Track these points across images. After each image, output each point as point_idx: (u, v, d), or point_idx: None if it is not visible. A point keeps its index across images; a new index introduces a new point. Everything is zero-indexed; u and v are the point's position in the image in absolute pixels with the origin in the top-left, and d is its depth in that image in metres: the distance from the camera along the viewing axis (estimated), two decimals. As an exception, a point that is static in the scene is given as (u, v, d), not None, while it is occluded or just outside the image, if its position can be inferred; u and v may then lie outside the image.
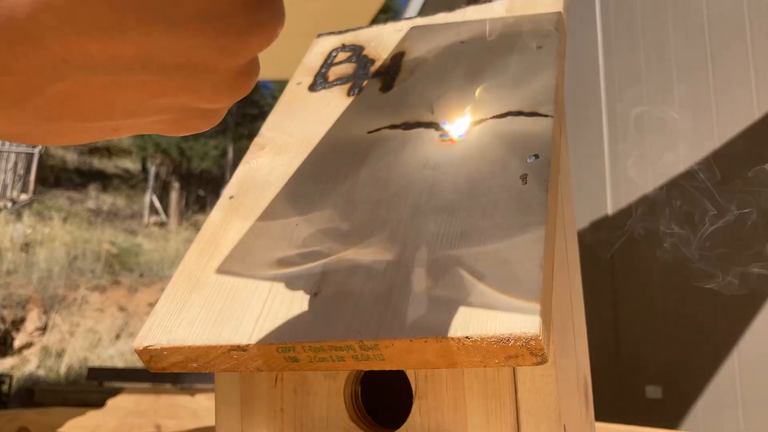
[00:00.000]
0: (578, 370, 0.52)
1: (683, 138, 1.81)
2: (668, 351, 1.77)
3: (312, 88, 0.62)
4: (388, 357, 0.35)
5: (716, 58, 1.72)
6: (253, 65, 0.25)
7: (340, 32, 0.69)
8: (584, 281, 0.64)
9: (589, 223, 2.16)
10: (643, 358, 1.87)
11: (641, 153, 1.97)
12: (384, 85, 0.57)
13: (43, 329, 8.61)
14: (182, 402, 1.66)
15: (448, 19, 0.64)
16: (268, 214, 0.48)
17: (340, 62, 0.64)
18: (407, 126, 0.51)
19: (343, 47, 0.66)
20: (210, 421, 1.26)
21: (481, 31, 0.60)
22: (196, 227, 12.52)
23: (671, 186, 1.83)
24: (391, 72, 0.59)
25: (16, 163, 12.05)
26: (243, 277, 0.43)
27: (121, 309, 9.47)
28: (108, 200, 12.91)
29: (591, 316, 0.68)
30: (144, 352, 0.40)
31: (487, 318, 0.33)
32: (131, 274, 10.49)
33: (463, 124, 0.49)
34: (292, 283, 0.41)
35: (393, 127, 0.52)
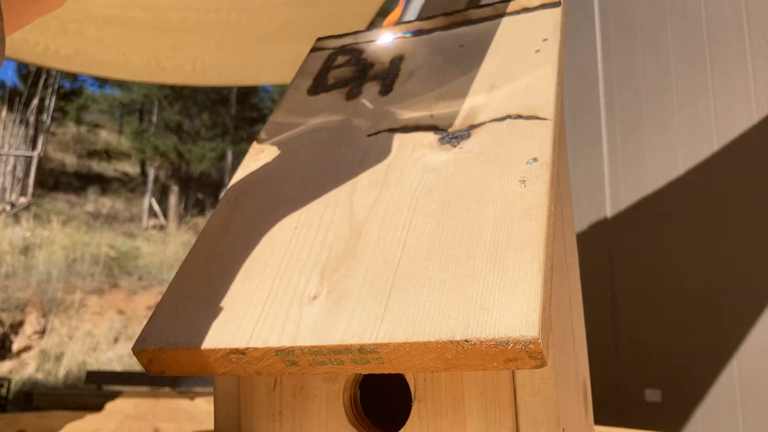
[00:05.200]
0: (577, 373, 0.52)
1: (681, 141, 1.81)
2: (668, 354, 1.77)
3: (311, 91, 0.62)
4: (387, 361, 0.35)
5: (715, 61, 1.72)
6: None
7: (339, 36, 0.69)
8: (583, 284, 0.64)
9: (588, 225, 2.16)
10: (642, 361, 1.87)
11: (640, 156, 1.98)
12: (383, 89, 0.57)
13: (42, 333, 8.60)
14: (181, 405, 1.66)
15: (447, 23, 0.64)
16: (267, 218, 0.48)
17: (340, 66, 0.64)
18: (406, 129, 0.51)
19: (343, 51, 0.66)
20: (209, 425, 1.26)
21: (479, 35, 0.60)
22: (195, 230, 12.51)
23: (670, 189, 1.83)
24: (390, 75, 0.59)
25: (15, 167, 12.04)
26: (242, 280, 0.43)
27: (120, 312, 9.45)
28: (107, 203, 12.90)
29: (590, 318, 0.68)
30: (143, 356, 0.40)
31: (486, 321, 0.33)
32: (130, 277, 10.47)
33: (462, 128, 0.49)
34: (291, 286, 0.41)
35: (392, 130, 0.52)
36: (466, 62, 0.57)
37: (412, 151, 0.48)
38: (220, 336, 0.39)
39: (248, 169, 0.54)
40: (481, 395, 0.39)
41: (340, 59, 0.65)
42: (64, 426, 1.10)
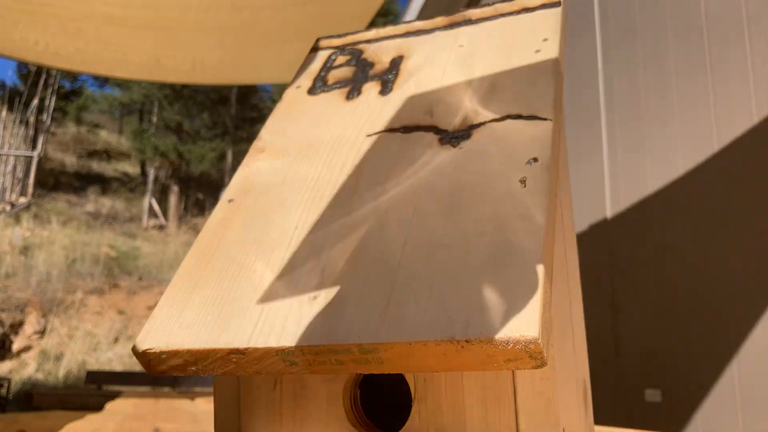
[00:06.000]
0: (577, 373, 0.52)
1: (682, 142, 1.81)
2: (668, 354, 1.77)
3: (311, 91, 0.62)
4: (387, 361, 0.35)
5: (715, 62, 1.72)
6: None
7: (339, 36, 0.69)
8: (583, 285, 0.64)
9: (588, 226, 2.16)
10: (642, 361, 1.87)
11: (640, 156, 1.98)
12: (383, 89, 0.57)
13: (42, 333, 8.60)
14: (181, 405, 1.66)
15: (447, 23, 0.64)
16: (267, 218, 0.48)
17: (340, 65, 0.64)
18: (406, 129, 0.51)
19: (343, 51, 0.66)
20: (209, 425, 1.26)
21: (479, 35, 0.60)
22: (195, 230, 12.52)
23: (669, 189, 1.83)
24: (390, 75, 0.59)
25: (15, 167, 12.05)
26: (242, 280, 0.43)
27: (120, 312, 9.45)
28: (107, 203, 12.91)
29: (590, 319, 0.68)
30: (143, 356, 0.40)
31: (486, 321, 0.33)
32: (130, 277, 10.48)
33: (462, 128, 0.49)
34: (291, 286, 0.41)
35: (392, 130, 0.52)
36: (466, 62, 0.57)
37: (412, 152, 0.48)
38: (220, 336, 0.39)
39: (248, 169, 0.54)
40: (481, 395, 0.39)
41: (340, 59, 0.65)
42: (64, 426, 1.10)
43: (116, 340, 8.91)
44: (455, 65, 0.57)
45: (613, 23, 2.19)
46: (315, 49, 0.69)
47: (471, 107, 0.51)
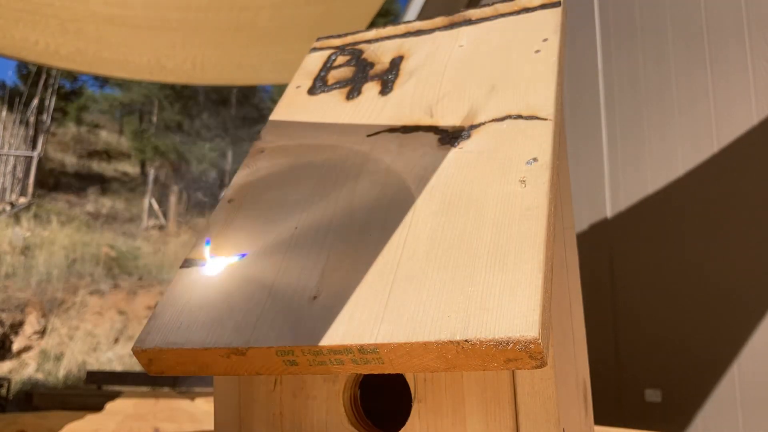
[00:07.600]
0: (577, 373, 0.52)
1: (682, 142, 1.81)
2: (668, 355, 1.77)
3: (311, 91, 0.62)
4: (387, 361, 0.35)
5: (715, 62, 1.72)
6: None
7: (339, 36, 0.69)
8: (583, 285, 0.64)
9: (588, 226, 2.16)
10: (642, 361, 1.87)
11: (640, 157, 1.98)
12: (383, 89, 0.57)
13: (42, 333, 8.60)
14: (181, 405, 1.66)
15: (447, 23, 0.64)
16: (267, 218, 0.48)
17: (340, 66, 0.64)
18: (406, 129, 0.51)
19: (343, 51, 0.66)
20: (209, 425, 1.26)
21: (479, 35, 0.60)
22: (195, 230, 12.50)
23: (670, 189, 1.83)
24: (390, 75, 0.59)
25: (15, 167, 12.04)
26: (242, 280, 0.43)
27: (120, 312, 9.45)
28: (107, 204, 12.90)
29: (590, 319, 0.68)
30: (143, 356, 0.40)
31: (486, 321, 0.33)
32: (130, 277, 10.47)
33: (462, 128, 0.49)
34: (291, 286, 0.41)
35: (392, 130, 0.52)
36: (466, 62, 0.57)
37: (412, 151, 0.48)
38: (220, 336, 0.39)
39: (248, 169, 0.54)
40: (481, 395, 0.39)
41: (340, 59, 0.65)
42: (64, 426, 1.10)
43: (116, 340, 8.91)
44: (455, 65, 0.57)
45: (614, 23, 2.19)
46: (315, 49, 0.69)
47: (471, 107, 0.51)
